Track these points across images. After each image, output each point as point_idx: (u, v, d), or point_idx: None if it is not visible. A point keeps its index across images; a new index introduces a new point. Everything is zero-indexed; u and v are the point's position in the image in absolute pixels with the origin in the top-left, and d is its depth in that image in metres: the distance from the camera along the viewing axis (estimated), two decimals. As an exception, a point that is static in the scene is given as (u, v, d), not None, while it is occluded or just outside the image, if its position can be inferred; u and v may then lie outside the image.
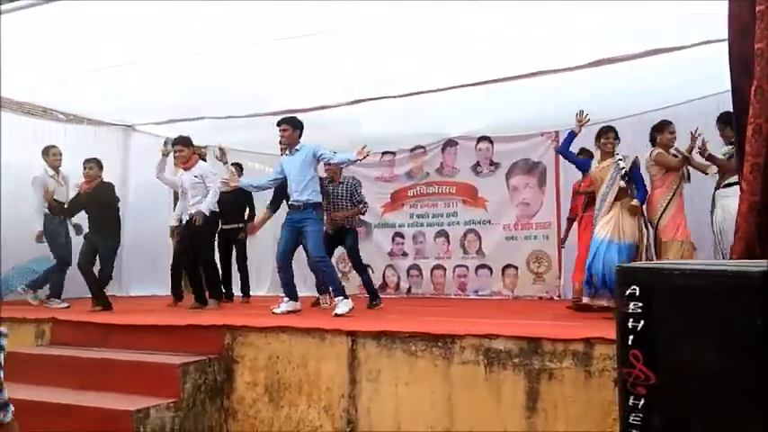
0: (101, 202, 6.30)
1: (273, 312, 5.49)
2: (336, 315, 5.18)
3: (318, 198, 5.72)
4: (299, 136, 5.77)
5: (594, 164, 5.37)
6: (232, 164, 7.96)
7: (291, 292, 5.67)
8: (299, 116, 6.09)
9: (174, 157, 6.48)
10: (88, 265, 6.15)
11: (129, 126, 8.39)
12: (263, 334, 4.27)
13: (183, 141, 6.41)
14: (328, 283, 5.65)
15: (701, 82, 5.93)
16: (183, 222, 6.57)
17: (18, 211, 6.62)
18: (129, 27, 5.03)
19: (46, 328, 5.07)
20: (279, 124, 5.74)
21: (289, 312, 5.46)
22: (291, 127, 5.70)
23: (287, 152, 5.82)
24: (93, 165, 6.39)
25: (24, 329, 5.10)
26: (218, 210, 6.54)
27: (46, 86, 6.47)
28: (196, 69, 5.89)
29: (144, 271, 8.34)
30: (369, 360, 3.93)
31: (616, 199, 5.13)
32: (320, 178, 6.20)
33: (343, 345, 4.02)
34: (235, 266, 7.76)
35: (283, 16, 4.77)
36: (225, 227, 7.59)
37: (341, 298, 5.41)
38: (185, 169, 6.44)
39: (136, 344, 4.61)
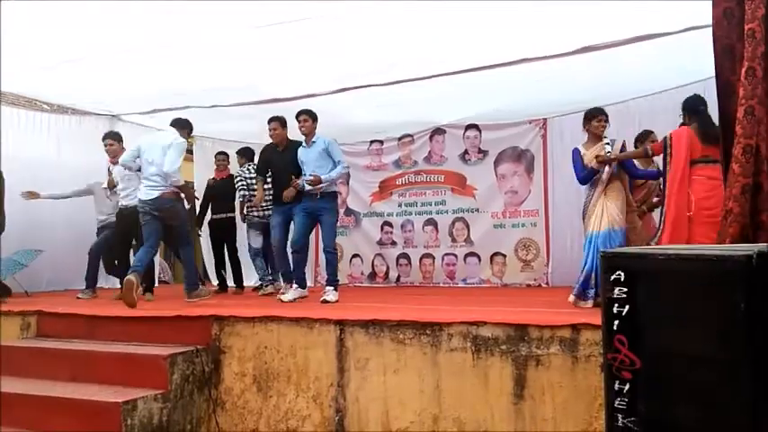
0: None
1: (280, 300, 5.56)
2: (325, 301, 5.37)
3: (335, 188, 5.89)
4: (316, 127, 5.89)
5: (582, 150, 5.28)
6: (219, 153, 7.93)
7: (301, 280, 5.76)
8: (287, 105, 6.09)
9: (106, 151, 6.67)
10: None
11: (115, 116, 8.30)
12: (251, 324, 4.26)
13: (114, 136, 6.68)
14: (330, 273, 5.69)
15: (686, 68, 5.94)
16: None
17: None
18: (112, 15, 4.96)
19: (32, 320, 5.04)
20: (298, 115, 5.86)
21: (297, 299, 5.52)
22: (311, 118, 5.84)
23: (303, 144, 5.93)
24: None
25: (10, 322, 5.07)
26: None
27: (29, 76, 6.38)
28: (180, 58, 5.83)
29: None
30: (357, 348, 3.94)
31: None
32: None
33: (331, 333, 4.02)
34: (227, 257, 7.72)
35: (269, 3, 4.72)
36: (215, 216, 7.56)
37: (331, 288, 5.55)
38: (114, 163, 6.57)
39: (123, 335, 4.60)
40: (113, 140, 6.60)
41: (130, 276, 5.12)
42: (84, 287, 6.72)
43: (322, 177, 5.62)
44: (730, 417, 2.00)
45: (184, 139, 5.83)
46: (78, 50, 5.59)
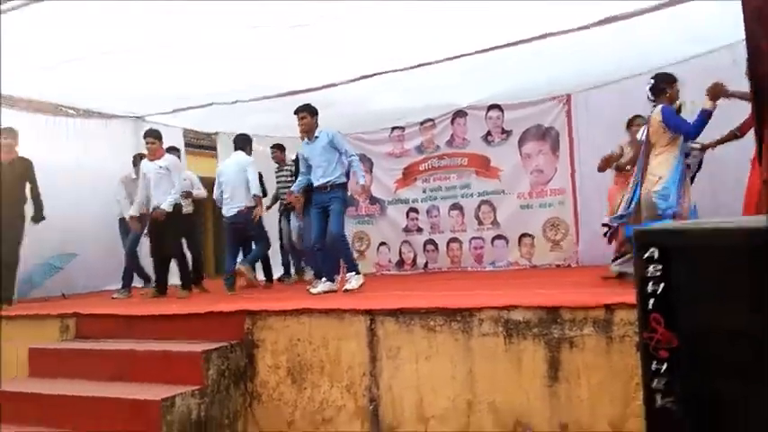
0: None
1: (310, 292, 5.58)
2: (346, 290, 5.41)
3: (344, 179, 5.83)
4: (317, 122, 5.85)
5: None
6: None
7: (329, 273, 5.75)
8: (308, 96, 6.08)
9: (147, 149, 6.60)
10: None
11: (139, 117, 8.39)
12: (282, 317, 4.28)
13: (155, 134, 6.60)
14: (344, 259, 5.74)
15: (712, 34, 5.78)
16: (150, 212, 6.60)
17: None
18: (133, 18, 5.01)
19: (70, 322, 5.14)
20: (297, 112, 5.82)
21: (326, 292, 5.53)
22: (309, 114, 5.79)
23: (305, 139, 5.88)
24: None
25: (49, 325, 5.17)
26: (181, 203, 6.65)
27: (53, 81, 6.46)
28: (202, 56, 5.87)
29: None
30: (388, 337, 3.93)
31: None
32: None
33: (361, 323, 4.02)
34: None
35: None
36: None
37: (353, 273, 5.59)
38: (151, 160, 6.54)
39: (158, 333, 4.66)
40: (154, 139, 6.54)
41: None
42: (120, 287, 6.85)
43: (359, 181, 5.78)
44: (772, 392, 1.95)
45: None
46: (99, 53, 5.64)
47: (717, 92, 4.53)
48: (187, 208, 6.97)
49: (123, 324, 4.89)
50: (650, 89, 4.85)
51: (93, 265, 7.67)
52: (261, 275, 7.75)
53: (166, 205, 6.30)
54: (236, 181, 6.61)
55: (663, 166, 4.59)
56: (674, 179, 4.53)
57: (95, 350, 4.66)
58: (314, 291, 5.61)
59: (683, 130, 4.58)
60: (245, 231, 6.80)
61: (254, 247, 7.09)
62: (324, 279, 5.74)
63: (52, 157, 7.25)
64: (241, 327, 4.40)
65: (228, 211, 6.69)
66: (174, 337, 4.57)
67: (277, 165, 8.16)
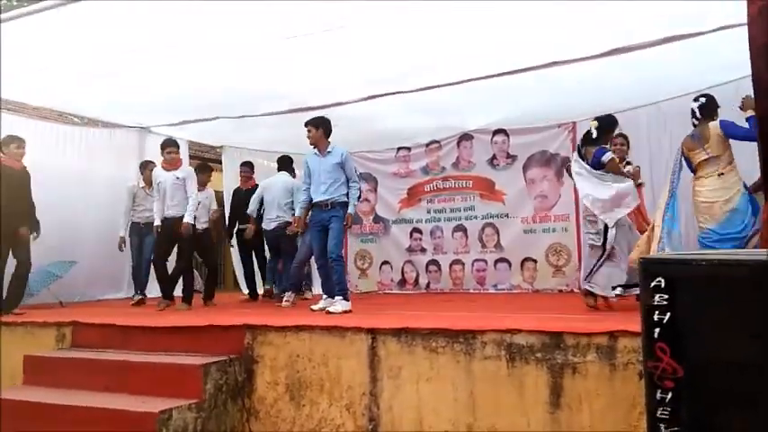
0: None
1: (312, 309, 5.54)
2: (329, 312, 5.27)
3: (346, 199, 5.72)
4: (327, 135, 5.80)
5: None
6: (243, 163, 8.03)
7: (331, 291, 5.67)
8: (315, 113, 6.09)
9: (167, 159, 6.50)
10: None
11: (144, 128, 8.43)
12: (283, 333, 4.26)
13: (176, 144, 6.57)
14: (335, 282, 5.61)
15: (719, 68, 5.81)
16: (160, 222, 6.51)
17: (39, 215, 6.65)
18: (142, 29, 5.05)
19: (67, 331, 5.10)
20: (306, 125, 5.80)
21: (324, 309, 5.46)
22: (315, 127, 5.74)
23: (315, 151, 5.82)
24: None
25: (45, 333, 5.14)
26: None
27: (60, 90, 6.50)
28: (209, 69, 5.89)
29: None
30: (389, 357, 3.91)
31: None
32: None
33: (363, 342, 4.00)
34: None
35: (297, 12, 4.74)
36: (241, 226, 7.63)
37: (340, 298, 5.46)
38: (168, 169, 6.46)
39: (156, 345, 4.62)
40: (177, 149, 6.56)
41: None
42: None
43: (350, 212, 5.68)
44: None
45: (295, 179, 7.27)
46: (108, 63, 5.68)
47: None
48: (202, 224, 6.89)
49: (121, 334, 4.85)
50: (700, 108, 4.93)
51: (92, 274, 7.65)
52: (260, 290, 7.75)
53: (188, 217, 6.23)
54: (282, 200, 7.07)
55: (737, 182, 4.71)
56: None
57: (92, 360, 4.61)
58: (315, 308, 5.58)
59: (752, 136, 4.47)
60: (278, 244, 7.20)
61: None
62: (325, 296, 5.71)
63: (55, 165, 7.27)
64: (241, 341, 4.37)
65: (269, 224, 7.12)
66: (173, 349, 4.53)
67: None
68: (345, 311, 5.28)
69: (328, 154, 5.74)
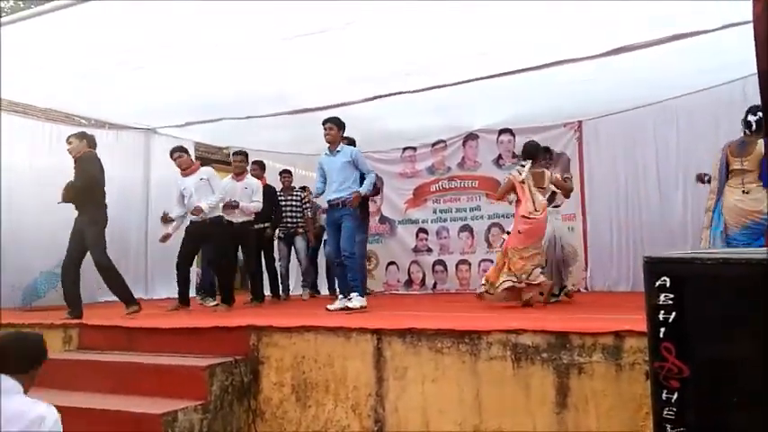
0: None
1: (328, 309, 5.52)
2: (347, 308, 5.38)
3: (371, 188, 5.82)
4: (342, 135, 5.84)
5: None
6: (253, 162, 8.03)
7: (346, 288, 5.69)
8: (321, 114, 6.09)
9: (177, 165, 6.49)
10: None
11: (150, 129, 8.45)
12: (289, 334, 4.25)
13: (182, 148, 6.56)
14: (350, 279, 5.65)
15: (723, 67, 5.79)
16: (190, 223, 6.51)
17: (41, 216, 6.66)
18: (147, 31, 5.06)
19: (73, 333, 5.13)
20: (324, 123, 5.79)
21: (342, 310, 5.47)
22: (336, 126, 5.75)
23: (326, 151, 5.85)
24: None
25: (52, 335, 5.14)
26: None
27: (67, 91, 6.52)
28: (215, 71, 5.91)
29: (170, 272, 8.38)
30: (395, 358, 3.90)
31: None
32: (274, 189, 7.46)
33: (368, 343, 3.99)
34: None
35: (301, 12, 4.74)
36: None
37: (356, 294, 5.53)
38: (187, 175, 6.46)
39: (162, 347, 4.63)
40: (181, 153, 6.51)
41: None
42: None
43: (361, 191, 5.65)
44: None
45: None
46: (113, 64, 5.68)
47: None
48: (237, 218, 6.84)
49: (127, 336, 4.86)
50: (757, 122, 4.93)
51: (99, 276, 7.65)
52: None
53: (205, 205, 6.18)
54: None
55: None
56: None
57: (98, 362, 4.64)
58: (331, 308, 5.55)
59: None
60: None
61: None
62: (341, 296, 5.70)
63: (62, 166, 7.27)
64: (246, 342, 4.37)
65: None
66: (179, 350, 4.54)
67: (282, 190, 8.14)
68: (362, 307, 5.40)
69: (338, 153, 5.76)
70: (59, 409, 3.96)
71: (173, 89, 6.42)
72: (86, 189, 5.72)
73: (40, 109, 7.62)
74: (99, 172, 5.88)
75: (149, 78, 6.05)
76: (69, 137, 6.01)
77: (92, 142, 6.02)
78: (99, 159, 5.95)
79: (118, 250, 7.43)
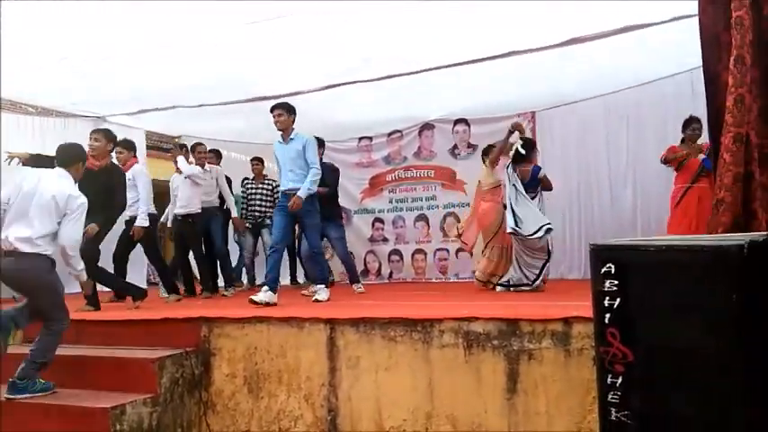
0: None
1: (251, 300, 5.30)
2: (316, 300, 5.35)
3: (314, 189, 5.53)
4: (293, 121, 5.63)
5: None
6: (210, 150, 7.87)
7: (273, 281, 5.34)
8: (275, 102, 5.98)
9: (117, 159, 6.13)
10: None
11: (100, 117, 8.20)
12: (240, 325, 4.20)
13: (127, 144, 6.25)
14: (317, 272, 5.69)
15: (675, 58, 5.92)
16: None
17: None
18: (97, 15, 4.90)
19: (18, 325, 4.95)
20: (273, 109, 5.59)
21: (267, 304, 5.16)
22: (286, 112, 5.55)
23: (279, 140, 5.68)
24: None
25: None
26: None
27: (12, 78, 6.27)
28: (166, 57, 5.76)
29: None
30: (348, 347, 3.89)
31: None
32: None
33: (321, 333, 3.97)
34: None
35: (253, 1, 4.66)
36: None
37: (322, 286, 5.51)
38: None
39: (110, 339, 4.53)
40: (123, 148, 6.14)
41: None
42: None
43: (299, 194, 5.36)
44: (724, 409, 1.97)
45: None
46: (62, 51, 5.52)
47: None
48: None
49: (73, 328, 4.67)
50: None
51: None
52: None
53: (139, 214, 6.00)
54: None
55: None
56: None
57: (44, 355, 4.49)
58: (255, 299, 5.14)
59: None
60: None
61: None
62: (265, 288, 5.25)
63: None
64: (197, 334, 4.30)
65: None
66: (127, 343, 4.44)
67: (253, 178, 8.04)
68: (327, 299, 5.42)
69: (291, 141, 5.57)
70: (2, 404, 3.87)
71: (123, 76, 6.23)
72: (101, 206, 5.23)
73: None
74: (124, 199, 5.76)
75: (99, 65, 5.86)
76: (93, 132, 5.73)
77: (122, 145, 6.11)
78: (123, 175, 5.89)
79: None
